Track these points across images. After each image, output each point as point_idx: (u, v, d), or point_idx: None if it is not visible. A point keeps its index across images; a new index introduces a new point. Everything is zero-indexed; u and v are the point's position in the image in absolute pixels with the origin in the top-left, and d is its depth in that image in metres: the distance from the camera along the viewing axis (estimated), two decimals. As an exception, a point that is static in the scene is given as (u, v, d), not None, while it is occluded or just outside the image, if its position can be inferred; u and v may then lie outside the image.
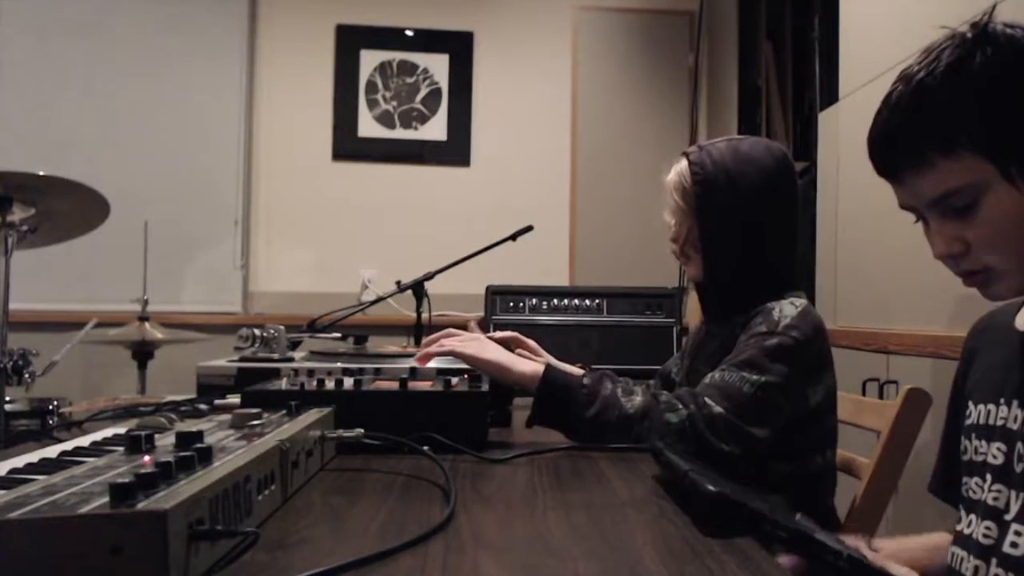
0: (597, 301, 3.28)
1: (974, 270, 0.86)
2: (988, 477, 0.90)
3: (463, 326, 1.66)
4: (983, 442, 0.92)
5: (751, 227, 1.35)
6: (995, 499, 0.88)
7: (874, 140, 0.89)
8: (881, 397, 2.00)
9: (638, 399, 1.23)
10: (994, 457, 0.89)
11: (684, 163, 1.40)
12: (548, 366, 1.31)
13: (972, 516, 0.92)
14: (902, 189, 0.89)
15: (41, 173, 1.84)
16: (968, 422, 0.96)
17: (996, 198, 0.82)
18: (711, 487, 0.81)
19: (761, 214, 1.35)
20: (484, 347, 1.32)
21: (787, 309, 1.29)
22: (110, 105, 3.58)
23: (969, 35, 0.83)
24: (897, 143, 0.87)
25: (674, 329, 3.27)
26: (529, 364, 1.30)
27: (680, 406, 1.21)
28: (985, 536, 0.88)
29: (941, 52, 0.83)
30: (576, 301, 3.26)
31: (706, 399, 1.21)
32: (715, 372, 1.26)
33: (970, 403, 0.97)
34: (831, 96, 2.71)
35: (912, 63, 0.86)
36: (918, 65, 0.85)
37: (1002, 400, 0.90)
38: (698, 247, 1.39)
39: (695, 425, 1.18)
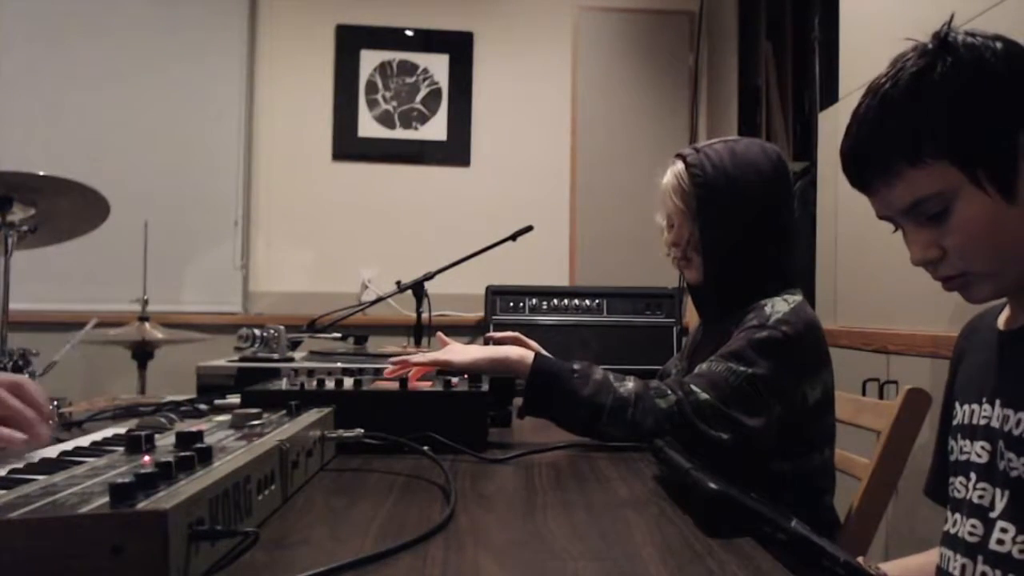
0: (597, 301, 3.28)
1: (952, 275, 0.87)
2: (972, 476, 0.90)
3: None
4: (967, 441, 0.93)
5: (751, 228, 1.35)
6: (980, 497, 0.88)
7: (845, 154, 0.92)
8: (881, 397, 2.00)
9: (630, 384, 1.24)
10: (978, 456, 0.90)
11: (680, 165, 1.40)
12: (537, 353, 1.31)
13: (958, 515, 0.92)
14: (876, 200, 0.91)
15: (41, 173, 1.85)
16: (954, 423, 0.97)
17: (967, 204, 0.83)
18: (712, 485, 0.81)
19: (760, 215, 1.35)
20: (466, 350, 1.33)
21: (779, 305, 1.30)
22: (110, 105, 3.57)
23: (930, 45, 0.84)
24: (866, 155, 0.89)
25: (674, 329, 3.28)
26: (515, 350, 1.30)
27: (669, 392, 1.22)
28: (971, 534, 0.88)
29: (905, 63, 0.85)
30: (576, 301, 3.27)
31: (692, 386, 1.22)
32: (703, 363, 1.27)
33: (956, 404, 0.98)
34: (831, 96, 2.71)
35: (880, 75, 0.88)
36: (884, 77, 0.87)
37: (984, 399, 0.91)
38: (699, 249, 1.39)
39: (683, 411, 1.19)
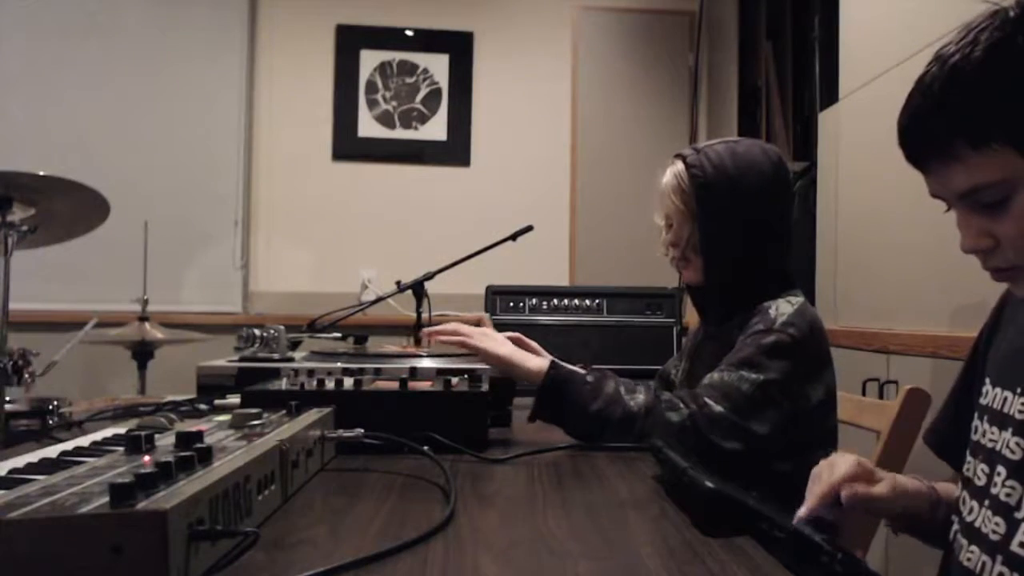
0: (597, 301, 3.28)
1: (1003, 267, 0.83)
2: (1002, 470, 0.86)
3: (476, 323, 1.68)
4: (995, 429, 0.89)
5: (750, 229, 1.35)
6: (1008, 495, 0.85)
7: (903, 126, 0.83)
8: (881, 397, 2.00)
9: (640, 397, 1.24)
10: (1011, 451, 0.86)
11: (680, 165, 1.40)
12: (553, 361, 1.32)
13: (975, 503, 0.90)
14: (931, 178, 0.84)
15: (41, 173, 1.84)
16: (983, 401, 0.93)
17: None
18: (709, 484, 0.81)
19: (760, 216, 1.35)
20: (495, 342, 1.35)
21: (783, 307, 1.30)
22: (110, 105, 3.58)
23: (1012, 14, 0.76)
24: (926, 132, 0.81)
25: (674, 329, 3.27)
26: (535, 360, 1.32)
27: (681, 405, 1.22)
28: (994, 532, 0.86)
29: (980, 33, 0.76)
30: (576, 301, 3.26)
31: (706, 399, 1.22)
32: (714, 372, 1.27)
33: (987, 379, 0.93)
34: (831, 96, 2.71)
35: (949, 42, 0.79)
36: (954, 46, 0.78)
37: (1020, 389, 0.87)
38: (698, 250, 1.39)
39: (696, 424, 1.19)
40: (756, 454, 1.22)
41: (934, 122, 0.79)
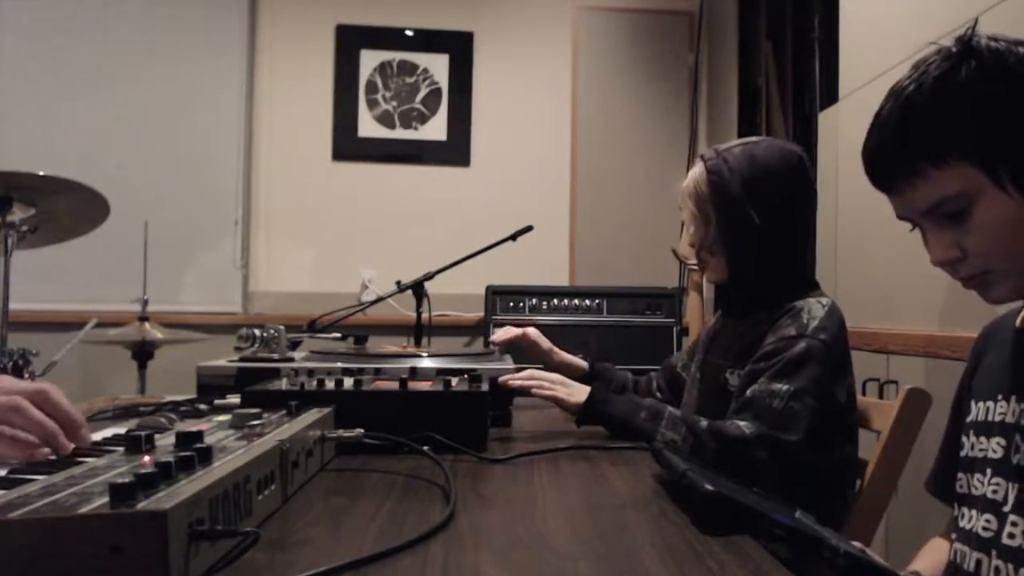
0: (597, 301, 3.28)
1: (972, 275, 0.88)
2: (988, 471, 0.91)
3: (524, 336, 1.71)
4: (982, 438, 0.94)
5: (769, 231, 1.38)
6: (994, 492, 0.89)
7: (867, 157, 0.92)
8: (881, 397, 2.00)
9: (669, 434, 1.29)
10: (993, 452, 0.91)
11: (700, 168, 1.43)
12: (583, 414, 1.36)
13: (971, 511, 0.93)
14: (898, 200, 0.91)
15: (41, 173, 1.85)
16: (968, 419, 0.98)
17: (988, 204, 0.84)
18: (709, 486, 0.81)
19: (778, 219, 1.38)
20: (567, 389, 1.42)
21: (815, 309, 1.33)
22: (110, 105, 3.57)
23: (954, 49, 0.85)
24: (889, 157, 0.89)
25: (674, 329, 3.28)
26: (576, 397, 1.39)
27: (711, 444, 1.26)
28: (985, 529, 0.89)
29: (928, 67, 0.86)
30: (576, 301, 3.27)
31: (736, 421, 1.25)
32: (748, 388, 1.29)
33: (971, 402, 0.99)
34: (831, 96, 2.71)
35: (901, 79, 0.89)
36: (907, 80, 0.88)
37: (1000, 396, 0.92)
38: (715, 252, 1.43)
39: (729, 448, 1.23)
40: (789, 457, 1.23)
41: (896, 148, 0.88)
